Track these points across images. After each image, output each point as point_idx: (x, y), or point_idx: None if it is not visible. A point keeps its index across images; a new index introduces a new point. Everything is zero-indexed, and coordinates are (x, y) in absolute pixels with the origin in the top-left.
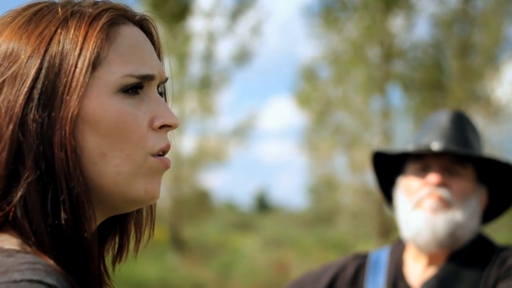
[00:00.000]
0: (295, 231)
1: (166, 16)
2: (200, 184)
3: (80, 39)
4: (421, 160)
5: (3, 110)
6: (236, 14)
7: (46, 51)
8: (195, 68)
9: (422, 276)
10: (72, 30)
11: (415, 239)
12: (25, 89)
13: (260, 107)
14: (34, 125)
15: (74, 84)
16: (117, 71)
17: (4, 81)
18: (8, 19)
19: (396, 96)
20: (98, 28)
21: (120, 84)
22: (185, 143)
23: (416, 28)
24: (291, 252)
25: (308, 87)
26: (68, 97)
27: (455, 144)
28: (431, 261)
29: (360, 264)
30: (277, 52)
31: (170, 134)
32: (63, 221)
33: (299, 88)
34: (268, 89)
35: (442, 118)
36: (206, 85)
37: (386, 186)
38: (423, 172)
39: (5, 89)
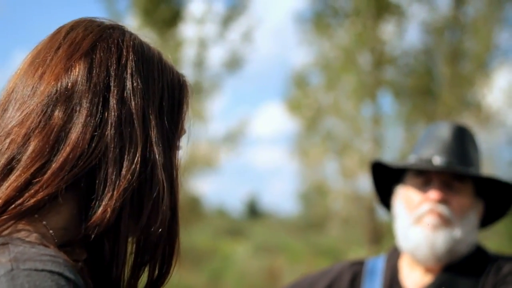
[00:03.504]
0: (286, 237)
1: (157, 22)
2: (191, 190)
3: None
4: (422, 174)
5: None
6: (227, 20)
7: None
8: (186, 74)
9: (419, 283)
10: None
11: (413, 253)
12: None
13: (251, 113)
14: None
15: None
16: None
17: None
18: None
19: (387, 102)
20: None
21: None
22: None
23: (407, 35)
24: (282, 259)
25: (299, 94)
26: None
27: (456, 159)
28: (428, 270)
29: (356, 272)
30: (268, 58)
31: None
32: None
33: (290, 95)
34: (260, 96)
35: (444, 131)
36: (197, 92)
37: (383, 192)
38: (424, 186)
39: None
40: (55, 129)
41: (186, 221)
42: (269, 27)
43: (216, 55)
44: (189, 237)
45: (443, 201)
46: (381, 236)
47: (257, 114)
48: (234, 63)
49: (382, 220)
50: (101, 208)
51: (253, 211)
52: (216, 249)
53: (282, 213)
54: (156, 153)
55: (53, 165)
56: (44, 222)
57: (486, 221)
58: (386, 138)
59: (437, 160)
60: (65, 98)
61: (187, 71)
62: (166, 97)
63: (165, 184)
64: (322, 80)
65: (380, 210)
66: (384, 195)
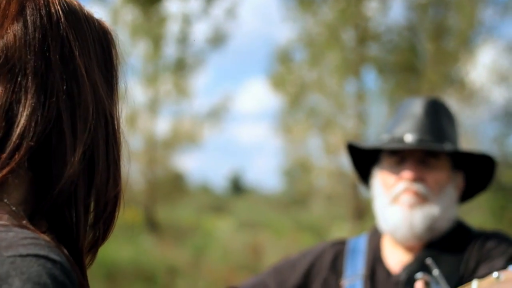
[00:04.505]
0: (270, 214)
1: None
2: (174, 167)
3: None
4: (396, 153)
5: None
6: None
7: None
8: (170, 51)
9: (401, 261)
10: None
11: (393, 233)
12: None
13: (235, 90)
14: None
15: None
16: None
17: None
18: None
19: (371, 79)
20: None
21: None
22: (159, 125)
23: (391, 11)
24: (266, 235)
25: (283, 70)
26: None
27: (429, 136)
28: (409, 248)
29: (338, 251)
30: (252, 34)
31: (144, 117)
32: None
33: (274, 71)
34: (243, 72)
35: (416, 107)
36: (181, 68)
37: (364, 172)
38: (398, 166)
39: None
40: (4, 102)
41: (169, 197)
42: (252, 3)
43: (200, 31)
44: (173, 213)
45: (418, 179)
46: (364, 212)
47: (241, 90)
48: (217, 39)
49: (365, 196)
50: (60, 177)
51: (237, 187)
52: (199, 225)
53: (266, 189)
54: (107, 110)
55: (11, 139)
56: (6, 200)
57: (468, 194)
58: (369, 115)
59: (409, 138)
60: (8, 69)
61: (170, 47)
62: (99, 49)
63: (115, 141)
64: (306, 56)
65: (363, 187)
66: (365, 175)
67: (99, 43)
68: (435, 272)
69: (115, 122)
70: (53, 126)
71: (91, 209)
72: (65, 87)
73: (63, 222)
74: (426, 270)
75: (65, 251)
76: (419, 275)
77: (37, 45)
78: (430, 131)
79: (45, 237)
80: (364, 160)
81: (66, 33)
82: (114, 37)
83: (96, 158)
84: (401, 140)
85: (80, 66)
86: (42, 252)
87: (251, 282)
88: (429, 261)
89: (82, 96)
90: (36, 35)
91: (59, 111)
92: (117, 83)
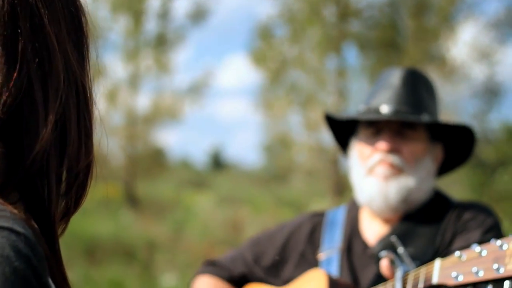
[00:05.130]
0: (250, 189)
1: None
2: (154, 142)
3: None
4: (372, 124)
5: None
6: None
7: None
8: (150, 26)
9: (378, 233)
10: None
11: (369, 205)
12: None
13: (216, 65)
14: None
15: None
16: None
17: None
18: None
19: (352, 55)
20: None
21: None
22: (140, 101)
23: None
24: (245, 210)
25: (264, 46)
26: None
27: (406, 106)
28: (386, 220)
29: (316, 222)
30: (233, 10)
31: (125, 92)
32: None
33: (255, 47)
34: (224, 47)
35: (394, 78)
36: (161, 43)
37: (344, 143)
38: (374, 137)
39: None
40: None
41: (149, 173)
42: None
43: (181, 6)
44: (153, 188)
45: (393, 150)
46: (344, 187)
47: (222, 66)
48: (198, 15)
49: (346, 172)
50: (31, 147)
51: (217, 162)
52: (179, 201)
53: (246, 164)
54: (78, 78)
55: None
56: None
57: (447, 167)
58: (350, 91)
59: (385, 109)
60: None
61: (151, 23)
62: (68, 17)
63: (87, 110)
64: (286, 32)
65: (344, 162)
66: (345, 146)
67: (68, 11)
68: (400, 250)
69: (87, 91)
70: (24, 96)
71: (63, 179)
72: (35, 56)
73: (34, 192)
74: (399, 246)
75: (34, 223)
76: (383, 253)
77: (6, 15)
78: (407, 102)
79: (12, 209)
80: (344, 131)
81: (35, 1)
82: (83, 4)
83: (67, 128)
84: (377, 111)
85: (50, 34)
86: (6, 224)
87: (230, 255)
88: (394, 238)
89: (53, 65)
90: (5, 4)
91: (30, 81)
92: (88, 51)
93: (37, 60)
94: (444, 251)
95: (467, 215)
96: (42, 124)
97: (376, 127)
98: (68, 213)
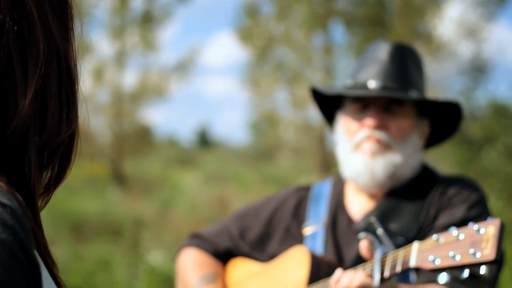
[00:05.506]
0: (237, 167)
1: None
2: (141, 120)
3: None
4: (359, 99)
5: None
6: None
7: None
8: (137, 3)
9: (363, 208)
10: None
11: (355, 180)
12: None
13: (202, 43)
14: None
15: None
16: None
17: None
18: None
19: (338, 32)
20: None
21: None
22: (126, 78)
23: None
24: (232, 188)
25: (250, 23)
26: None
27: (394, 82)
28: (371, 196)
29: (302, 196)
30: None
31: (111, 70)
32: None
33: (242, 24)
34: (211, 25)
35: (382, 52)
36: (148, 20)
37: (329, 116)
38: (361, 112)
39: None
40: None
41: (136, 151)
42: None
43: None
44: (140, 166)
45: (380, 126)
46: (331, 165)
47: (208, 44)
48: None
49: (332, 149)
50: (11, 119)
51: (204, 140)
52: (166, 178)
53: (233, 142)
54: (60, 50)
55: None
56: None
57: (433, 141)
58: (337, 68)
59: (373, 84)
60: None
61: (137, 0)
62: None
63: (69, 82)
64: (273, 10)
65: (330, 139)
66: (331, 119)
67: None
68: (379, 231)
69: (69, 62)
70: (3, 68)
71: (44, 151)
72: (14, 27)
73: (14, 165)
74: (384, 222)
75: (18, 196)
76: (362, 235)
77: None
78: (394, 77)
79: None
80: (330, 104)
81: None
82: None
83: (48, 99)
84: (364, 86)
85: (30, 5)
86: None
87: (215, 228)
88: (373, 219)
89: (33, 36)
90: None
91: (9, 52)
92: (72, 23)
93: (16, 31)
94: (428, 227)
95: (451, 191)
96: (21, 96)
97: (363, 102)
98: (49, 187)
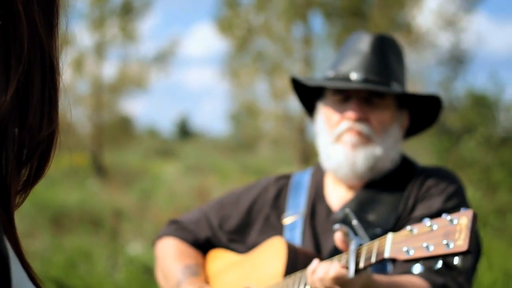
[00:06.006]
0: (217, 157)
1: None
2: (121, 111)
3: None
4: (340, 91)
5: None
6: None
7: None
8: None
9: (342, 199)
10: None
11: (335, 172)
12: None
13: (182, 34)
14: None
15: None
16: None
17: None
18: None
19: (318, 23)
20: None
21: None
22: (106, 69)
23: None
24: (212, 178)
25: (230, 14)
26: None
27: (375, 75)
28: (350, 186)
29: (282, 185)
30: None
31: (91, 61)
32: None
33: (221, 15)
34: (191, 16)
35: (363, 44)
36: (127, 11)
37: (310, 106)
38: (342, 104)
39: None
40: None
41: (116, 142)
42: None
43: None
44: (120, 157)
45: (362, 119)
46: (310, 155)
47: (188, 34)
48: None
49: (312, 140)
50: None
51: (184, 131)
52: (146, 169)
53: (213, 133)
54: (45, 47)
55: None
56: None
57: (411, 131)
58: (316, 59)
59: (354, 76)
60: None
61: None
62: None
63: (52, 79)
64: (253, 0)
65: (310, 130)
66: (312, 110)
67: None
68: (354, 222)
69: (53, 59)
70: None
71: (24, 149)
72: (0, 22)
73: None
74: (362, 212)
75: None
76: (336, 226)
77: None
78: (376, 69)
79: None
80: (310, 94)
81: None
82: None
83: (30, 96)
84: (346, 78)
85: (17, 0)
86: None
87: (195, 216)
88: (347, 211)
89: (18, 31)
90: None
91: None
92: (58, 19)
93: (1, 26)
94: (406, 218)
95: (429, 182)
96: (2, 92)
97: (344, 94)
98: (28, 183)
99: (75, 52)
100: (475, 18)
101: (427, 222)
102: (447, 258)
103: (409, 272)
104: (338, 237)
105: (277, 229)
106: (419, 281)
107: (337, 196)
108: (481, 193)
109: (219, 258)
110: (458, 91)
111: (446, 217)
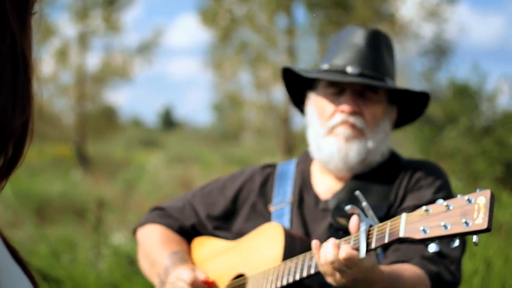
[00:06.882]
0: (200, 148)
1: None
2: (105, 101)
3: None
4: (334, 84)
5: None
6: None
7: None
8: None
9: (330, 188)
10: None
11: (326, 164)
12: None
13: (166, 24)
14: None
15: None
16: None
17: None
18: None
19: (301, 14)
20: None
21: None
22: (89, 60)
23: None
24: (196, 169)
25: (213, 5)
26: None
27: (370, 69)
28: (339, 177)
29: (267, 174)
30: None
31: (75, 52)
32: None
33: (205, 6)
34: (175, 6)
35: (358, 38)
36: (111, 2)
37: (297, 96)
38: (336, 97)
39: None
40: None
41: (100, 132)
42: None
43: None
44: (104, 147)
45: (356, 112)
46: (294, 146)
47: (172, 25)
48: None
49: (296, 130)
50: None
51: (168, 121)
52: (130, 160)
53: (197, 123)
54: (17, 39)
55: None
56: None
57: (398, 123)
58: (299, 50)
59: (350, 70)
60: None
61: None
62: None
63: (24, 68)
64: None
65: (294, 121)
66: (298, 100)
67: None
68: (364, 204)
69: (25, 51)
70: None
71: None
72: None
73: None
74: (355, 201)
75: None
76: (348, 207)
77: None
78: (371, 64)
79: None
80: (298, 84)
81: None
82: None
83: (0, 88)
84: (342, 71)
85: None
86: None
87: (180, 204)
88: (357, 193)
89: None
90: None
91: None
92: (31, 8)
93: None
94: (397, 208)
95: (419, 174)
96: None
97: (338, 87)
98: (2, 174)
99: (58, 42)
100: (457, 9)
101: (442, 202)
102: (463, 237)
103: (401, 261)
104: (353, 221)
105: (264, 217)
106: (415, 269)
107: (326, 185)
108: (463, 183)
109: (205, 245)
110: (440, 81)
111: (463, 197)
